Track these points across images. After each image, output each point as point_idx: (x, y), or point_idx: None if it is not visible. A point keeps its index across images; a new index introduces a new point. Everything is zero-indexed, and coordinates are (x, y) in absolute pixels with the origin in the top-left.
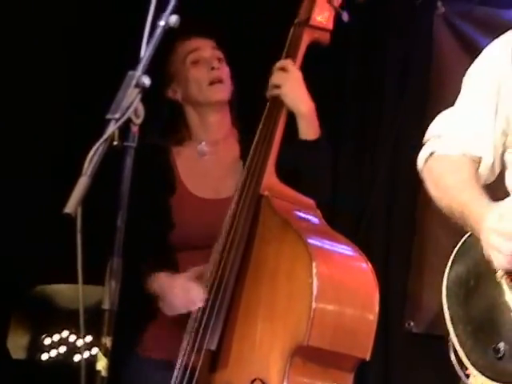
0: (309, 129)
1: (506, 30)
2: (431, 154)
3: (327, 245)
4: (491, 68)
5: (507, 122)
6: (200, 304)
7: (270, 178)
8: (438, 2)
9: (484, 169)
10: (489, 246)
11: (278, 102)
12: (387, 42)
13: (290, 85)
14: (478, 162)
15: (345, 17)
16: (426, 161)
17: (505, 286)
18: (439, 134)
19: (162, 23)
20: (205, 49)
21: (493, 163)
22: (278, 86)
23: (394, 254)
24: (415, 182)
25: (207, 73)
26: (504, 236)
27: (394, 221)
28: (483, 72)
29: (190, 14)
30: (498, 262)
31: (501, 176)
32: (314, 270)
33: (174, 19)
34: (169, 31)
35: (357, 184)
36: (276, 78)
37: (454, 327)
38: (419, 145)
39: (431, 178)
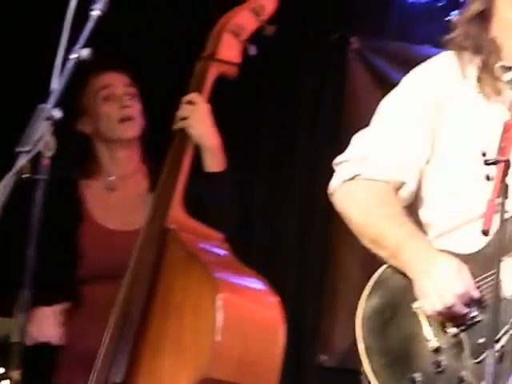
0: (214, 162)
1: (418, 65)
2: (353, 176)
3: (233, 278)
4: (422, 91)
5: (432, 149)
6: (54, 338)
7: (177, 211)
8: (351, 38)
9: (406, 193)
10: (429, 287)
11: (184, 134)
12: (301, 75)
13: (197, 118)
14: (400, 187)
15: (252, 51)
16: (345, 182)
17: (420, 317)
18: (363, 157)
19: (73, 56)
20: (117, 85)
21: (414, 190)
22: (184, 119)
23: (307, 286)
24: (329, 217)
25: (118, 110)
26: (456, 294)
27: (308, 253)
28: (413, 95)
29: (103, 48)
30: (432, 303)
31: None
32: (220, 303)
33: (85, 52)
34: (81, 64)
35: (271, 218)
36: (183, 110)
37: (368, 359)
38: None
39: (354, 203)
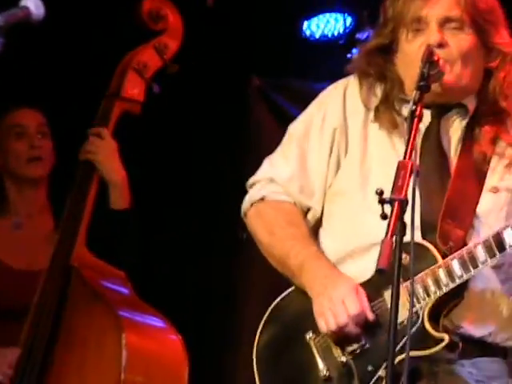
0: (120, 198)
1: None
2: (262, 198)
3: (137, 316)
4: (325, 118)
5: (335, 174)
6: None
7: (81, 249)
8: (252, 76)
9: (312, 217)
10: (326, 306)
11: (90, 168)
12: (206, 113)
13: (105, 153)
14: (307, 211)
15: (156, 88)
16: (254, 204)
17: (313, 347)
18: (272, 179)
19: None
20: (30, 124)
21: (320, 216)
22: (91, 152)
23: (210, 323)
24: (232, 252)
25: (28, 149)
26: (351, 314)
27: (211, 290)
28: (316, 123)
29: (19, 84)
30: (327, 322)
31: None
32: (124, 341)
33: None
34: None
35: (173, 254)
36: (90, 143)
37: None
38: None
39: (263, 224)
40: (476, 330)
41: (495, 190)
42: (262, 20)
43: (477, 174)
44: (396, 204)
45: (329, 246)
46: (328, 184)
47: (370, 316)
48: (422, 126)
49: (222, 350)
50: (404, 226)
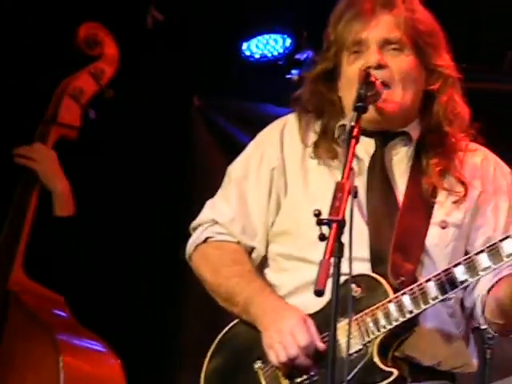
0: (64, 206)
1: (262, 123)
2: (205, 239)
3: (75, 340)
4: (263, 158)
5: (277, 213)
6: None
7: (19, 273)
8: (194, 96)
9: (256, 257)
10: (276, 339)
11: (31, 179)
12: (150, 134)
13: (47, 163)
14: (251, 251)
15: (92, 114)
16: (198, 246)
17: (261, 376)
18: (215, 221)
19: None
20: None
21: (264, 254)
22: (32, 159)
23: (153, 350)
24: (178, 281)
25: None
26: (300, 345)
27: (155, 316)
28: (254, 163)
29: None
30: (277, 354)
31: None
32: (61, 364)
33: None
34: None
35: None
36: (29, 149)
37: None
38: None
39: (207, 265)
40: (426, 360)
41: (444, 224)
42: (202, 41)
43: (424, 207)
44: (333, 225)
45: (277, 282)
46: (270, 224)
47: (320, 346)
48: (367, 156)
49: (163, 374)
50: (342, 246)
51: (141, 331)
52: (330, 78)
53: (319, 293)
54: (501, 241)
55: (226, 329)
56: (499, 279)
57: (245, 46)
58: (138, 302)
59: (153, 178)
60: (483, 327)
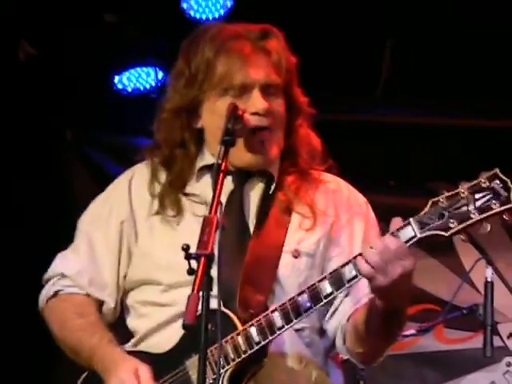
0: None
1: (135, 156)
2: (55, 293)
3: None
4: (112, 211)
5: (129, 266)
6: None
7: None
8: (66, 129)
9: (107, 311)
10: None
11: None
12: (21, 169)
13: None
14: (101, 304)
15: None
16: (48, 300)
17: None
18: (63, 274)
19: None
20: None
21: (115, 307)
22: None
23: None
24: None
25: None
26: None
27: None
28: (103, 215)
29: None
30: None
31: None
32: None
33: None
34: None
35: None
36: None
37: None
38: None
39: (55, 319)
40: None
41: (296, 253)
42: (74, 74)
43: (276, 237)
44: (202, 259)
45: (136, 328)
46: (122, 276)
47: None
48: (223, 195)
49: None
50: (211, 281)
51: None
52: (188, 110)
53: (187, 327)
54: (342, 267)
55: (84, 374)
56: (358, 308)
57: (117, 79)
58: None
59: (23, 215)
60: (345, 358)
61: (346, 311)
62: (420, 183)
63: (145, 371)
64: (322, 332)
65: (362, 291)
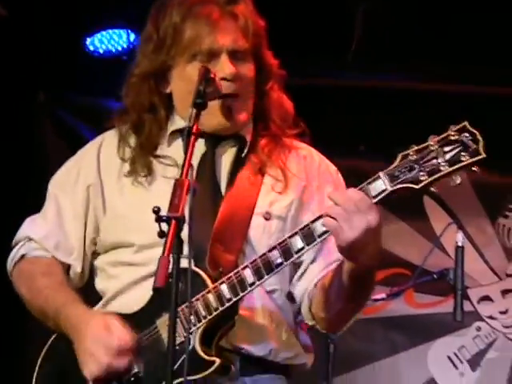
0: None
1: (106, 118)
2: (22, 256)
3: None
4: (79, 175)
5: (96, 231)
6: None
7: None
8: (39, 91)
9: (74, 275)
10: (86, 352)
11: None
12: None
13: None
14: (68, 268)
15: None
16: (16, 263)
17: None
18: (30, 237)
19: None
20: None
21: (82, 271)
22: None
23: None
24: None
25: None
26: (110, 350)
27: None
28: (71, 180)
29: None
30: (90, 368)
31: None
32: None
33: None
34: None
35: None
36: None
37: None
38: None
39: (23, 281)
40: (256, 350)
41: (267, 216)
42: (46, 36)
43: (247, 199)
44: (173, 222)
45: (103, 289)
46: (90, 240)
47: (132, 344)
48: (196, 157)
49: None
50: (181, 243)
51: None
52: (157, 75)
53: (158, 290)
54: (312, 222)
55: (51, 339)
56: (327, 273)
57: (88, 41)
58: None
59: None
60: (311, 324)
61: (314, 275)
62: (390, 147)
63: (116, 324)
64: (291, 297)
65: (330, 257)
